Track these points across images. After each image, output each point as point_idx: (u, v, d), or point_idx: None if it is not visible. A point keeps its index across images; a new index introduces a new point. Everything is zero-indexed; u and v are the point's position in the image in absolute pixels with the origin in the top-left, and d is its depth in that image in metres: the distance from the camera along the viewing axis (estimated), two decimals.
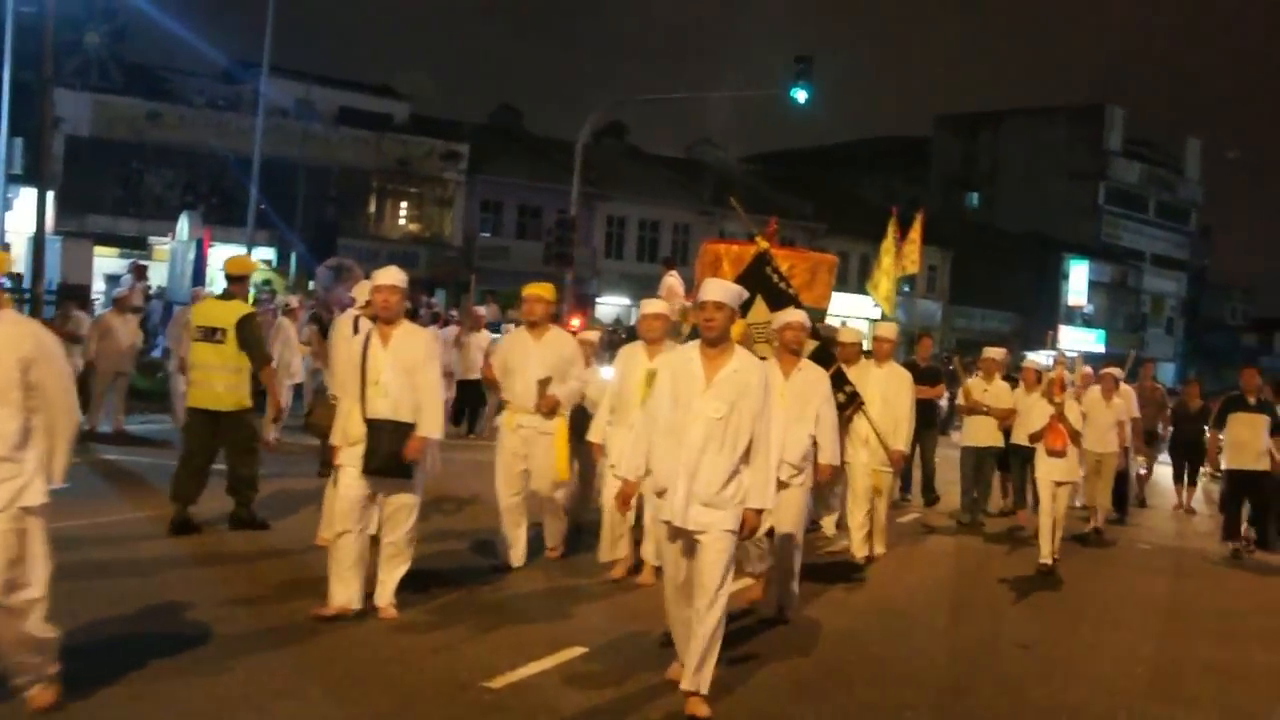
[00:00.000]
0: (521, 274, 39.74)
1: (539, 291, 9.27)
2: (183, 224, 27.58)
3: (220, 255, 30.66)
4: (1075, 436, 11.17)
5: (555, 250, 30.35)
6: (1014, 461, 13.72)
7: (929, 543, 12.59)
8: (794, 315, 8.74)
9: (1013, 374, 14.51)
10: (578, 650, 7.14)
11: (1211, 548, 13.82)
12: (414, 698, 6.12)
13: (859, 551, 10.74)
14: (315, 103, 39.93)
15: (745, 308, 9.75)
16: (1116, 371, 13.96)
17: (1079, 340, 59.37)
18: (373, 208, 42.16)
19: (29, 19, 22.08)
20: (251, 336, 9.82)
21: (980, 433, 13.55)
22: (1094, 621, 9.46)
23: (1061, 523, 11.24)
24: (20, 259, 30.57)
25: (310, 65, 38.95)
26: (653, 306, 9.31)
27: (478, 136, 44.63)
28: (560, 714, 6.09)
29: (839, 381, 9.93)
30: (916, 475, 14.70)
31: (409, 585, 7.84)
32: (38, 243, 18.42)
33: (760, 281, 10.19)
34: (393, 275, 7.56)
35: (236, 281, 10.06)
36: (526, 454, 9.17)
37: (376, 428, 7.33)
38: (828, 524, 11.69)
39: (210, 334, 9.72)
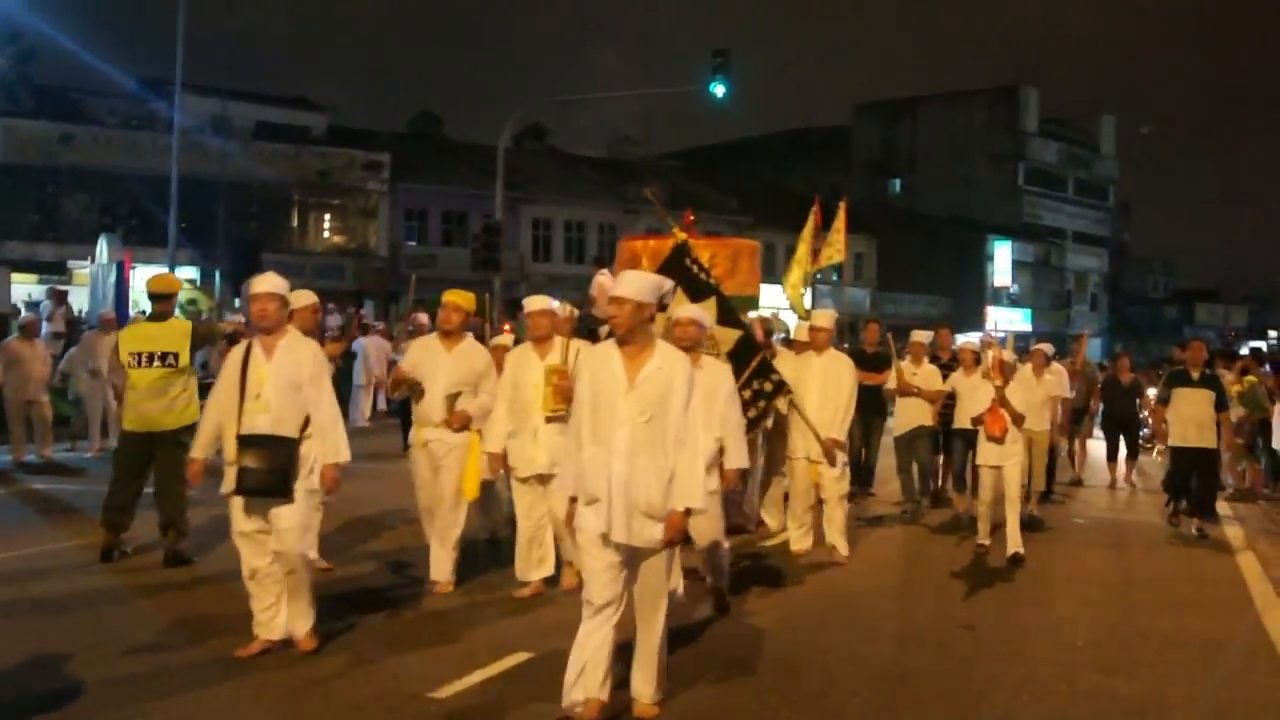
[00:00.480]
0: (450, 281, 38.96)
1: (457, 299, 8.81)
2: (102, 247, 27.17)
3: (142, 277, 30.25)
4: (1018, 419, 11.00)
5: (482, 256, 30.25)
6: (955, 445, 13.39)
7: (870, 531, 12.45)
8: (685, 311, 8.28)
9: (939, 355, 14.43)
10: (522, 656, 7.11)
11: (1148, 521, 13.97)
12: (361, 712, 6.07)
13: (796, 545, 10.70)
14: (231, 118, 39.37)
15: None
16: (1045, 348, 13.69)
17: (1006, 320, 60.13)
18: (295, 221, 41.77)
19: None
20: (208, 336, 10.69)
21: (908, 416, 13.44)
22: (1034, 599, 9.56)
23: (1017, 505, 11.05)
24: None
25: (224, 81, 38.34)
26: (536, 304, 8.78)
27: (398, 145, 44.38)
28: (509, 719, 6.06)
29: (764, 370, 9.88)
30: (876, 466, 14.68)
31: (345, 604, 7.77)
32: None
33: (681, 274, 9.83)
34: (270, 282, 7.07)
35: (163, 300, 9.73)
36: (437, 468, 8.72)
37: (250, 444, 6.79)
38: (771, 519, 11.76)
39: (157, 359, 9.44)
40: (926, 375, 13.51)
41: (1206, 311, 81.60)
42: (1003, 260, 66.52)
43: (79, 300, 28.98)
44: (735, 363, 9.55)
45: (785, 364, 10.69)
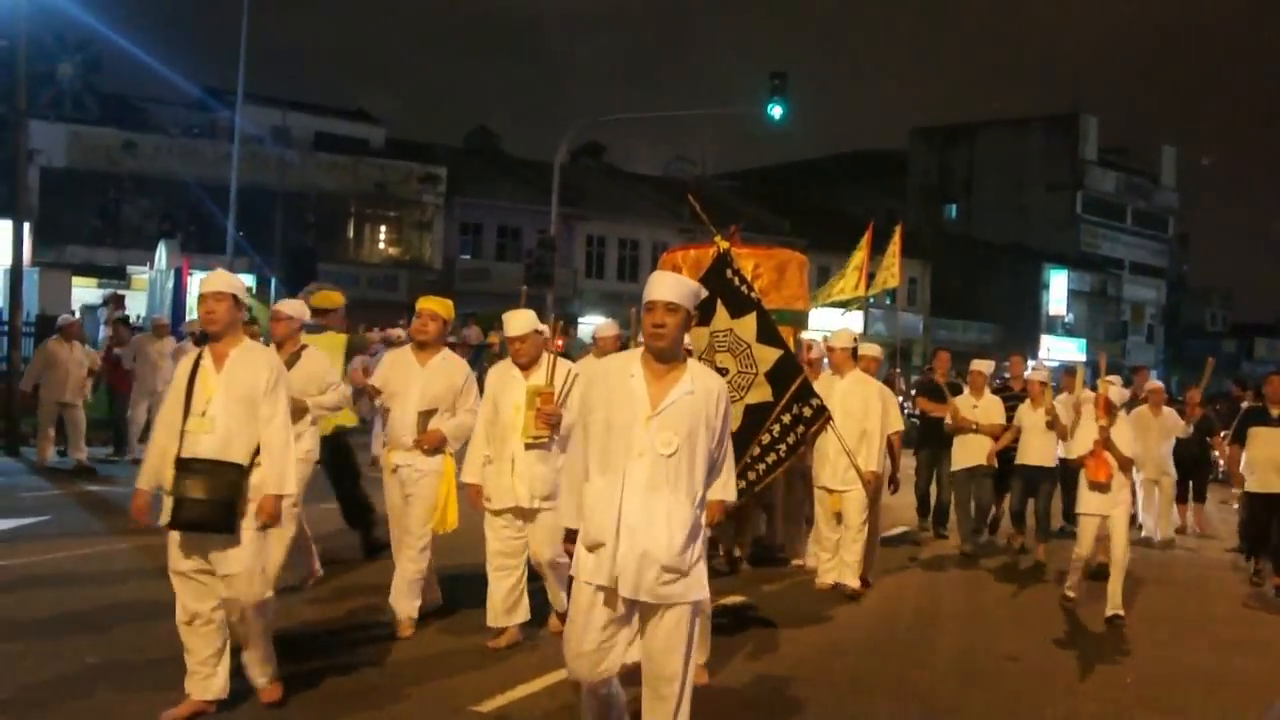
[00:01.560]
0: (502, 295, 39.78)
1: (433, 307, 7.90)
2: (161, 253, 27.50)
3: (200, 283, 30.64)
4: (1126, 465, 9.65)
5: (536, 271, 30.39)
6: (1014, 484, 12.58)
7: (917, 562, 12.20)
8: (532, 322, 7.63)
9: (1010, 386, 13.66)
10: (564, 673, 7.07)
11: (1208, 560, 13.61)
12: None
13: (823, 578, 10.15)
14: (291, 129, 39.92)
15: (706, 314, 9.27)
16: (1152, 383, 12.83)
17: (1061, 350, 59.62)
18: (351, 232, 42.17)
19: (1, 52, 21.97)
20: (360, 346, 10.62)
21: (969, 452, 12.47)
22: (1082, 634, 9.43)
23: (1123, 560, 9.68)
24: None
25: (285, 92, 38.97)
26: (519, 325, 7.58)
27: (455, 159, 44.70)
28: None
29: (806, 394, 9.34)
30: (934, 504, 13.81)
31: (374, 613, 7.81)
32: (15, 275, 18.30)
33: (721, 285, 9.38)
34: (220, 280, 6.12)
35: (324, 314, 9.84)
36: (408, 496, 7.82)
37: (190, 469, 5.80)
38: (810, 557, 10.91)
39: None
40: (988, 408, 12.58)
41: (1266, 346, 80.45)
42: (1058, 289, 65.93)
43: (136, 305, 29.34)
44: (775, 385, 9.23)
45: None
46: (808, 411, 9.33)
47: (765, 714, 6.69)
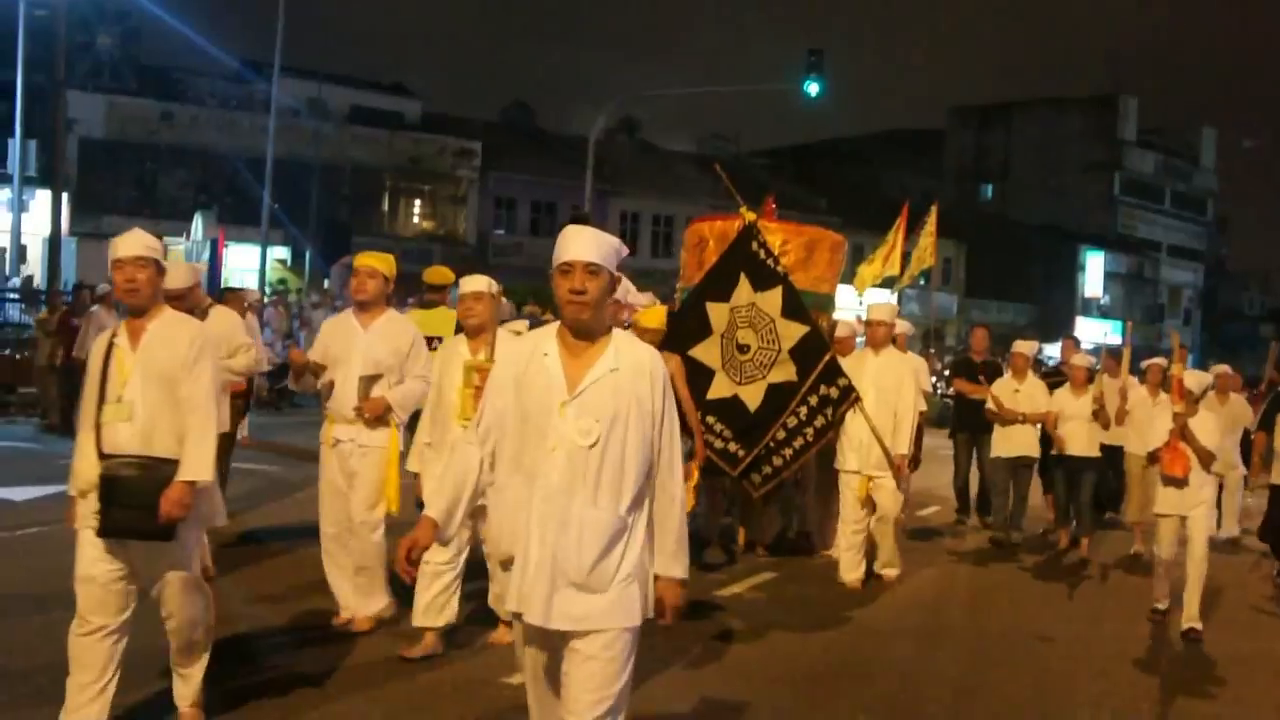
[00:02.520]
0: (536, 271, 39.89)
1: (371, 262, 7.07)
2: (197, 224, 27.64)
3: (235, 255, 30.80)
4: (1206, 458, 8.59)
5: None
6: (1057, 475, 11.83)
7: (951, 551, 11.78)
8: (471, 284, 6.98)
9: (1061, 370, 12.79)
10: None
11: (1248, 548, 12.93)
12: (435, 693, 6.11)
13: (847, 574, 9.38)
14: (327, 102, 40.00)
15: (728, 288, 9.25)
16: (1160, 361, 11.75)
17: (1096, 332, 59.23)
18: (386, 206, 42.26)
19: (41, 22, 22.13)
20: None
21: (1012, 441, 11.61)
22: (1114, 615, 9.38)
23: (1202, 569, 8.62)
24: (36, 261, 30.79)
25: (321, 65, 39.02)
26: (471, 284, 6.91)
27: (490, 134, 44.70)
28: None
29: (832, 374, 9.07)
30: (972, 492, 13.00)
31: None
32: (53, 244, 18.44)
33: (746, 258, 9.20)
34: (138, 243, 5.16)
35: (436, 291, 9.95)
36: (351, 475, 7.03)
37: (114, 470, 4.99)
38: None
39: (429, 343, 9.71)
40: (1031, 393, 11.67)
41: None
42: (1094, 271, 65.51)
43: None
44: (799, 363, 9.07)
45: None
46: (834, 392, 9.09)
47: (797, 698, 6.69)
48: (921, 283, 48.98)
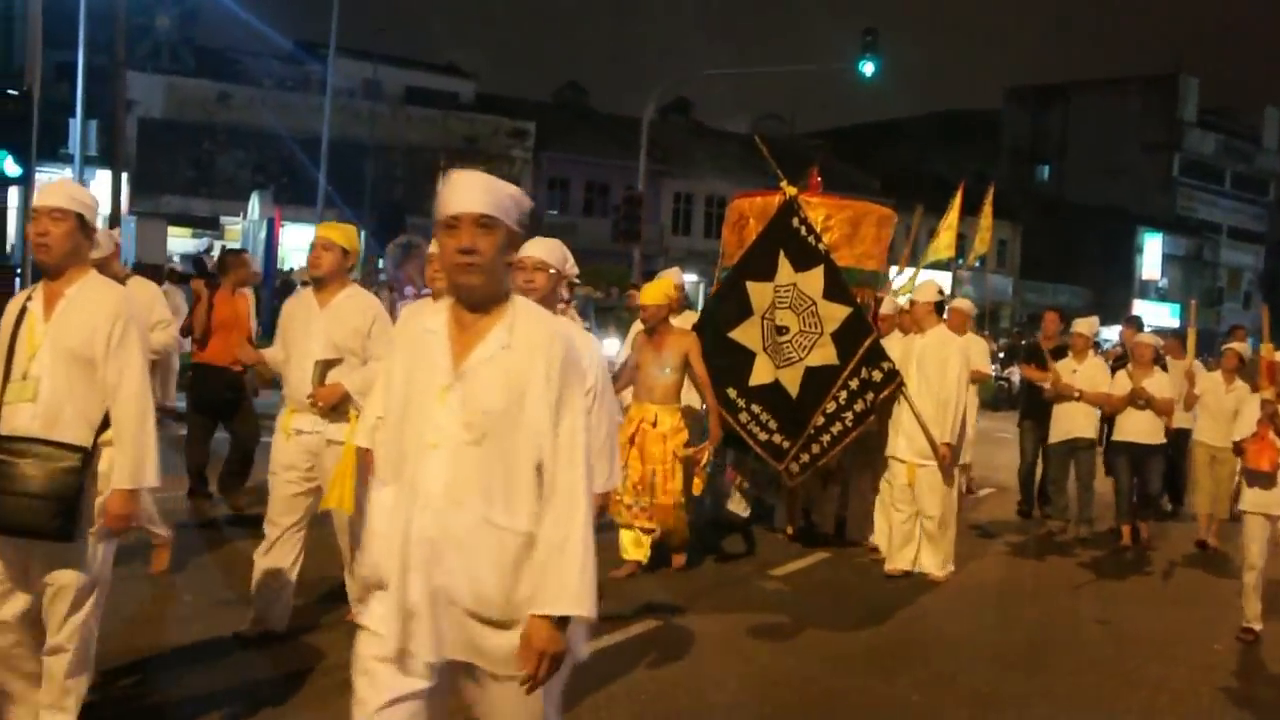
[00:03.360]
0: (589, 252, 39.95)
1: (328, 234, 6.21)
2: (254, 203, 27.94)
3: (289, 235, 31.06)
4: None
5: (623, 227, 30.37)
6: (1119, 462, 11.07)
7: (1003, 535, 11.58)
8: (533, 248, 5.07)
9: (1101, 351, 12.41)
10: (652, 624, 7.14)
11: None
12: None
13: (892, 564, 9.01)
14: (381, 83, 40.21)
15: (769, 267, 8.87)
16: (1242, 347, 11.18)
17: (1153, 315, 58.57)
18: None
19: (102, 4, 22.34)
20: None
21: (1072, 423, 11.12)
22: (1172, 599, 9.30)
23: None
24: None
25: (376, 46, 39.11)
26: (536, 249, 5.83)
27: (543, 114, 44.80)
28: (635, 685, 6.09)
29: (876, 357, 8.70)
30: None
31: None
32: (113, 223, 18.66)
33: (786, 235, 8.78)
34: (60, 194, 4.46)
35: None
36: (311, 468, 6.17)
37: (11, 452, 4.24)
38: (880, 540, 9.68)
39: None
40: (1090, 373, 11.12)
41: None
42: (1152, 253, 64.69)
43: None
44: (841, 346, 8.67)
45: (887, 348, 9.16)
46: (878, 376, 8.68)
47: (852, 676, 6.69)
48: (977, 265, 48.70)
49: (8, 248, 23.41)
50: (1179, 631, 8.24)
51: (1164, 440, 10.87)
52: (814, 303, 8.71)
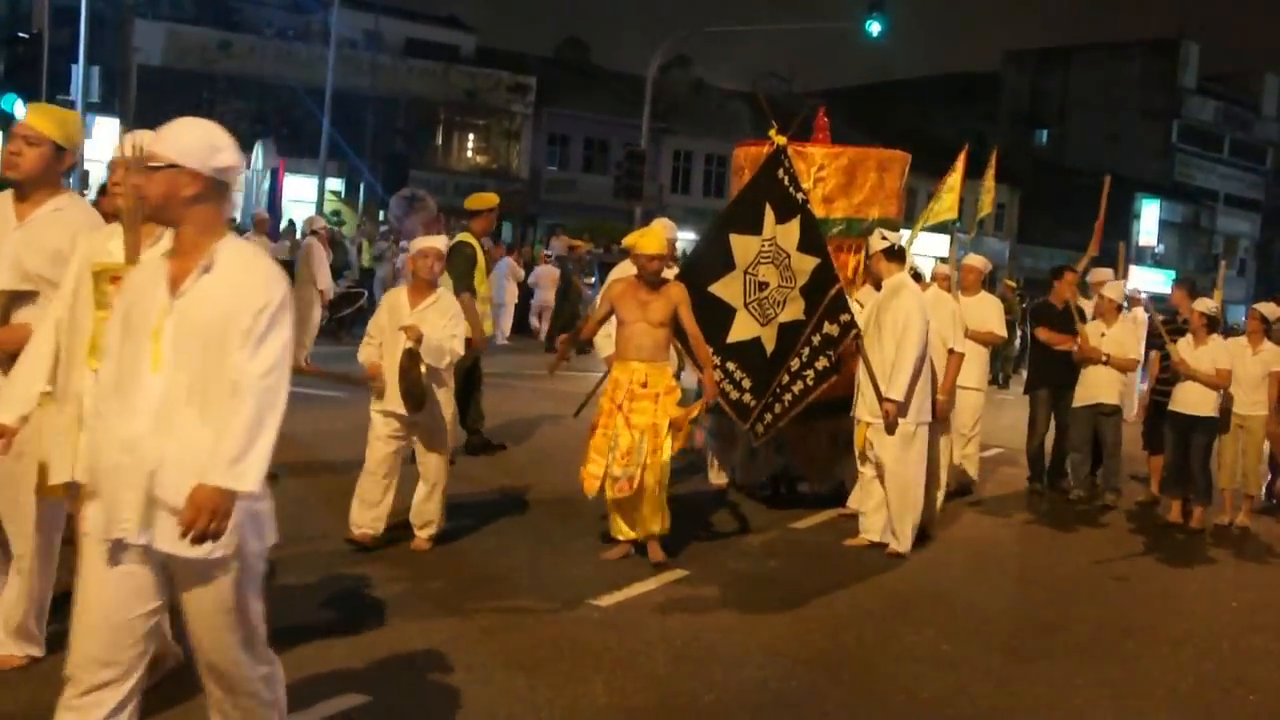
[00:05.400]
0: (588, 208, 39.99)
1: (37, 122, 4.74)
2: (258, 153, 27.79)
3: (290, 186, 30.94)
4: None
5: (625, 184, 30.27)
6: (1167, 435, 10.43)
7: (1015, 497, 11.18)
8: (429, 243, 7.29)
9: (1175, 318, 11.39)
10: (680, 573, 7.20)
11: None
12: (525, 613, 6.21)
13: (861, 534, 8.38)
14: (383, 34, 39.93)
15: (755, 219, 8.35)
16: (1267, 308, 10.72)
17: (1150, 281, 58.62)
18: (440, 140, 42.23)
19: None
20: (455, 268, 9.65)
21: (1097, 388, 10.56)
22: (1187, 557, 9.36)
23: None
24: (98, 187, 31.02)
25: None
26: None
27: (544, 69, 44.51)
28: (669, 629, 6.15)
29: (836, 309, 8.08)
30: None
31: (512, 511, 7.97)
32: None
33: (771, 187, 8.27)
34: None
35: (473, 216, 10.05)
36: (20, 454, 4.62)
37: None
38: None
39: None
40: (1119, 337, 10.61)
41: None
42: (1149, 219, 64.64)
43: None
44: (809, 299, 8.16)
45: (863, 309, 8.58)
46: (835, 330, 8.08)
47: (877, 620, 6.76)
48: (979, 229, 48.64)
49: None
50: (1194, 590, 8.34)
51: (1214, 413, 10.11)
52: (789, 255, 8.20)
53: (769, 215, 8.23)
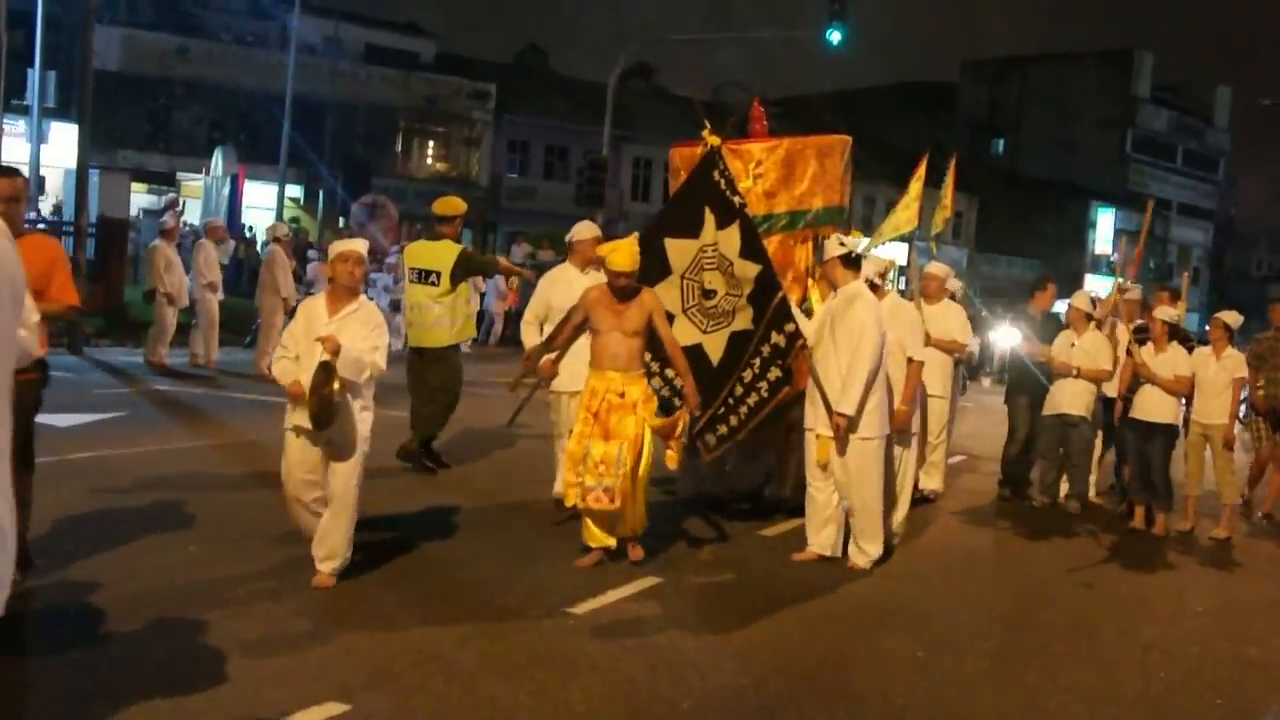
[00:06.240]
0: (549, 215, 39.96)
1: None
2: (217, 159, 27.61)
3: (250, 192, 30.74)
4: None
5: (586, 191, 30.22)
6: (1127, 443, 10.61)
7: (980, 504, 11.22)
8: (349, 246, 6.71)
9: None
10: (653, 580, 7.20)
11: None
12: (502, 621, 6.19)
13: (810, 548, 8.09)
14: (343, 40, 39.81)
15: (692, 223, 8.10)
16: (1229, 317, 10.58)
17: (1105, 289, 59.14)
18: (400, 146, 42.11)
19: None
20: (474, 265, 10.29)
21: (1067, 397, 10.52)
22: (1152, 563, 9.43)
23: None
24: (56, 192, 30.74)
25: (337, 2, 38.68)
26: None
27: (504, 76, 44.51)
28: (645, 637, 6.16)
29: (781, 318, 7.91)
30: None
31: (484, 520, 7.94)
32: (80, 177, 18.37)
33: (708, 190, 8.01)
34: None
35: (446, 222, 9.98)
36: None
37: None
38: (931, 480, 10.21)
39: (424, 275, 9.76)
40: (1090, 347, 10.55)
41: None
42: (1105, 228, 65.32)
43: (191, 211, 29.49)
44: (756, 307, 7.98)
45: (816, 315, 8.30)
46: (782, 341, 7.90)
47: (854, 630, 6.79)
48: (936, 239, 48.88)
49: None
50: (1160, 596, 8.44)
51: (1173, 420, 10.25)
52: (732, 263, 7.99)
53: (709, 219, 8.00)
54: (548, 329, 8.30)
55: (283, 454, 6.63)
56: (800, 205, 9.07)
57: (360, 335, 6.41)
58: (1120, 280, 12.05)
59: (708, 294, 8.16)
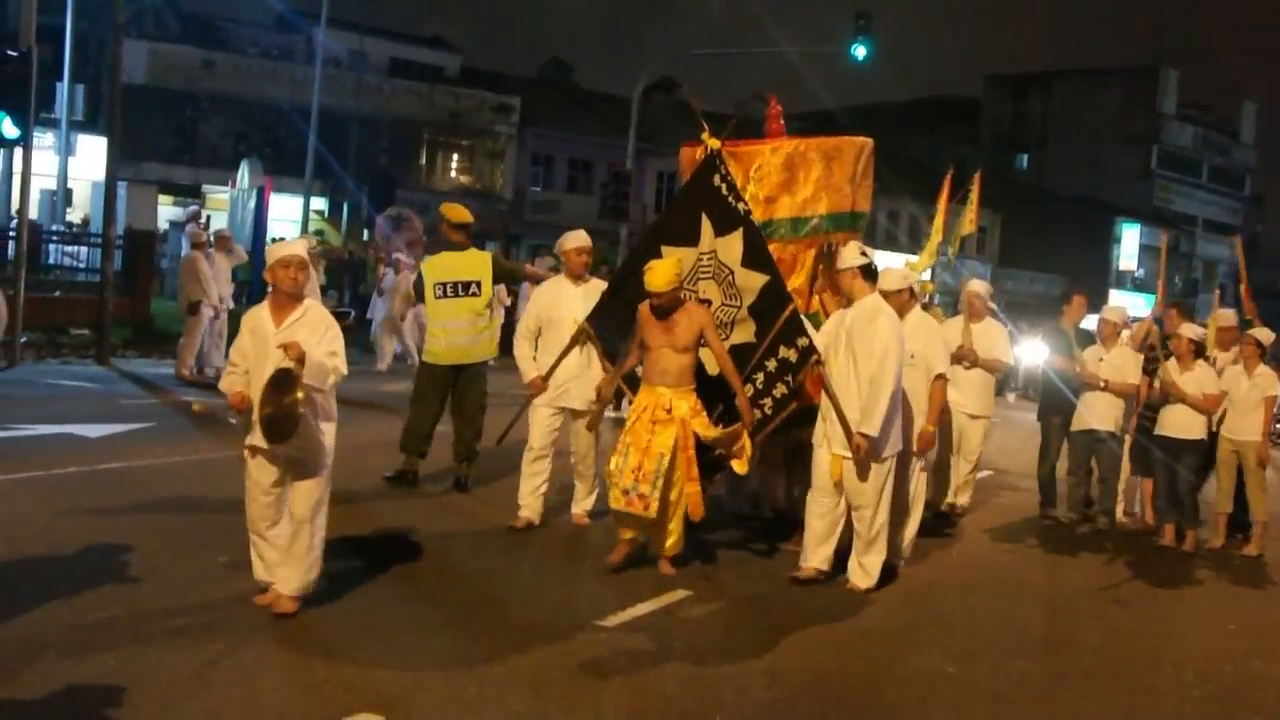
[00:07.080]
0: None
1: None
2: (243, 172, 27.71)
3: (277, 205, 30.85)
4: None
5: (610, 204, 30.28)
6: (1154, 459, 10.42)
7: (1010, 520, 11.15)
8: (289, 250, 6.13)
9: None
10: (681, 594, 7.18)
11: None
12: (532, 635, 6.17)
13: (806, 563, 7.70)
14: (368, 54, 39.98)
15: (689, 230, 7.85)
16: (1263, 334, 10.43)
17: (1129, 305, 58.85)
18: (424, 159, 42.25)
19: None
20: (506, 271, 10.32)
21: (1096, 413, 10.39)
22: (1182, 580, 9.38)
23: None
24: (84, 204, 30.98)
25: (362, 16, 38.91)
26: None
27: (528, 90, 44.63)
28: (676, 651, 6.14)
29: (791, 332, 7.54)
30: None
31: (511, 535, 7.98)
32: (108, 189, 18.46)
33: (707, 195, 7.72)
34: None
35: (461, 229, 9.69)
36: None
37: None
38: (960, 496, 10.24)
39: (462, 288, 9.45)
40: (1120, 363, 10.43)
41: None
42: (1130, 244, 65.04)
43: (217, 223, 29.64)
44: (759, 320, 7.65)
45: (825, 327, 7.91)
46: (793, 356, 7.49)
47: (882, 644, 6.76)
48: (959, 253, 48.69)
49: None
50: (1191, 613, 8.38)
51: (1201, 436, 10.12)
52: (732, 272, 7.67)
53: (706, 226, 7.70)
54: (542, 344, 8.55)
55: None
56: (803, 211, 8.56)
57: (314, 341, 5.91)
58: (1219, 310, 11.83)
59: (703, 304, 7.81)
